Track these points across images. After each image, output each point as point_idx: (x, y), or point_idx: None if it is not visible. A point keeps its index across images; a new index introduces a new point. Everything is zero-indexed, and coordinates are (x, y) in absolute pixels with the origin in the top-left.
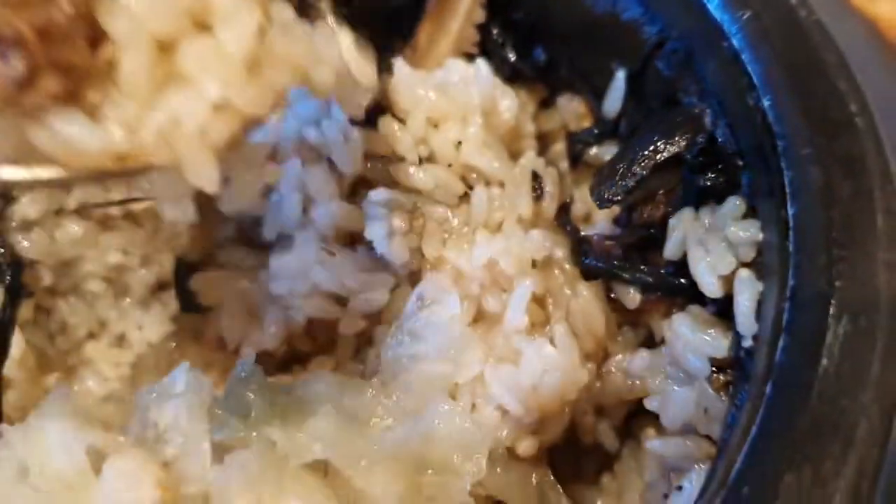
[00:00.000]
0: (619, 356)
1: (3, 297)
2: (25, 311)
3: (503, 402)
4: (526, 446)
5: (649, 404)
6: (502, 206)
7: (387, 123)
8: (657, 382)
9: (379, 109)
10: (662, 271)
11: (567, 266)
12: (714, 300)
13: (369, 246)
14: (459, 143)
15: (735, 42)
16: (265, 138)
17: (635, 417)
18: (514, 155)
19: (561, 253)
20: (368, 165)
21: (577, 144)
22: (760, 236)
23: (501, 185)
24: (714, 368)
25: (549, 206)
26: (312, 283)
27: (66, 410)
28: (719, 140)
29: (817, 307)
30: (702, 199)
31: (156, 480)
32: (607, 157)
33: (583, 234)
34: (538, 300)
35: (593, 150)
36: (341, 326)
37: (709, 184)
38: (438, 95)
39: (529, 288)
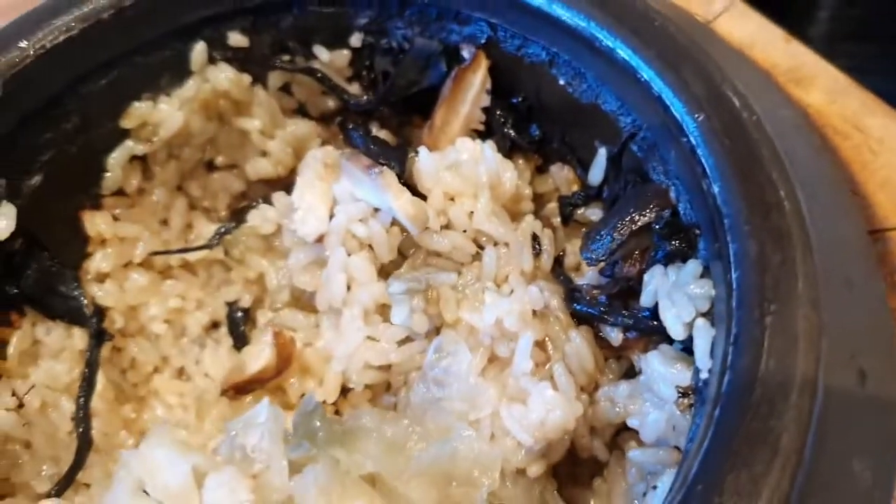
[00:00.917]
0: (607, 387)
1: (90, 341)
2: (104, 351)
3: (517, 436)
4: (535, 469)
5: (631, 423)
6: (508, 262)
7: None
8: (636, 406)
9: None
10: (640, 315)
11: (561, 315)
12: (680, 341)
13: None
14: (471, 213)
15: (692, 139)
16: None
17: (620, 434)
18: (515, 214)
19: (556, 301)
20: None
21: (567, 206)
22: (713, 293)
23: (507, 245)
24: (680, 394)
25: (547, 261)
26: (364, 361)
27: (169, 438)
28: (681, 213)
29: (753, 350)
30: (669, 259)
31: (248, 489)
32: (592, 217)
33: (574, 283)
34: (539, 344)
35: (581, 211)
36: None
37: (674, 247)
38: (453, 175)
39: (531, 338)
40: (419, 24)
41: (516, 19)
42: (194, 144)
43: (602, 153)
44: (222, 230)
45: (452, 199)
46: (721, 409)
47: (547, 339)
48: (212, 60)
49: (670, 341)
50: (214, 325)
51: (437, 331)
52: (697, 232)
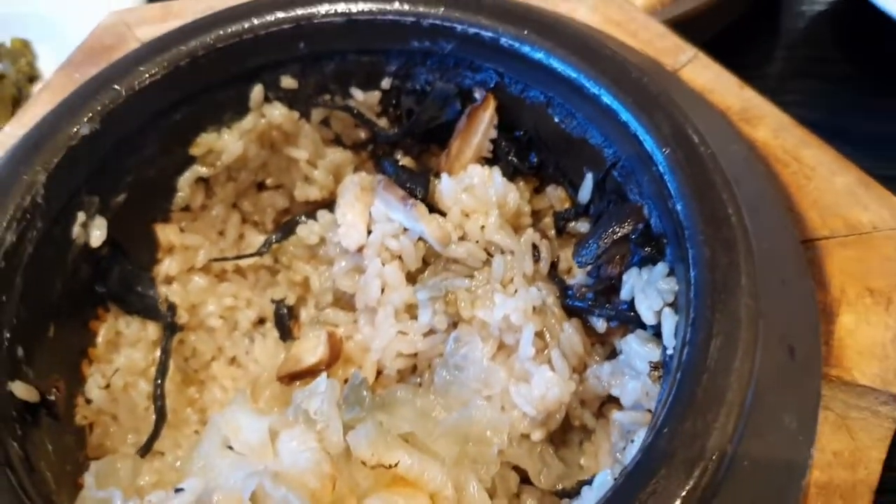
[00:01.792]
0: (594, 367)
1: (163, 333)
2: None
3: (522, 408)
4: (537, 434)
5: (613, 392)
6: (513, 267)
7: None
8: (618, 380)
9: (429, 207)
10: (620, 308)
11: (556, 310)
12: (651, 326)
13: None
14: (483, 227)
15: (660, 167)
16: (359, 242)
17: (604, 404)
18: (517, 228)
19: (551, 299)
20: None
21: (560, 220)
22: (676, 287)
23: (512, 252)
24: (651, 367)
25: (544, 266)
26: (396, 351)
27: (248, 405)
28: (652, 226)
29: (705, 330)
30: (643, 262)
31: (316, 441)
32: (581, 230)
33: (567, 283)
34: (539, 334)
35: (572, 224)
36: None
37: (647, 253)
38: (468, 196)
39: (533, 329)
40: (439, 71)
41: (520, 69)
42: (249, 168)
43: (589, 178)
44: (271, 240)
45: (467, 216)
46: (681, 374)
47: (545, 329)
48: (267, 99)
49: (644, 327)
50: (261, 321)
51: (454, 325)
52: (665, 241)
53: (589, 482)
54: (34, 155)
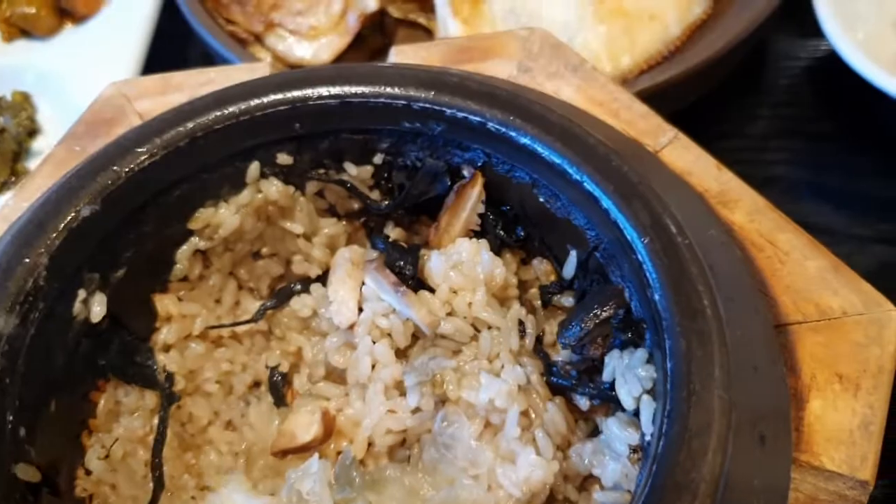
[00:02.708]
0: (577, 445)
1: (161, 402)
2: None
3: (508, 489)
4: None
5: (594, 472)
6: (499, 342)
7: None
8: (599, 459)
9: (418, 282)
10: (602, 387)
11: (540, 389)
12: (631, 411)
13: None
14: (470, 303)
15: (639, 256)
16: (350, 320)
17: (587, 479)
18: (503, 300)
19: (535, 377)
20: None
21: (546, 294)
22: (655, 375)
23: (498, 328)
24: (631, 451)
25: (530, 341)
26: (386, 428)
27: (244, 485)
28: (633, 310)
29: (680, 422)
30: (624, 346)
31: None
32: (566, 304)
33: (552, 359)
34: (524, 413)
35: (557, 297)
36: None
37: (627, 338)
38: (456, 273)
39: (517, 411)
40: (429, 149)
41: (506, 151)
42: (246, 240)
43: (573, 255)
44: (266, 307)
45: (455, 292)
46: (657, 465)
47: (530, 408)
48: (263, 175)
49: (624, 409)
50: (256, 384)
51: (442, 403)
52: (644, 326)
53: None
54: (36, 237)
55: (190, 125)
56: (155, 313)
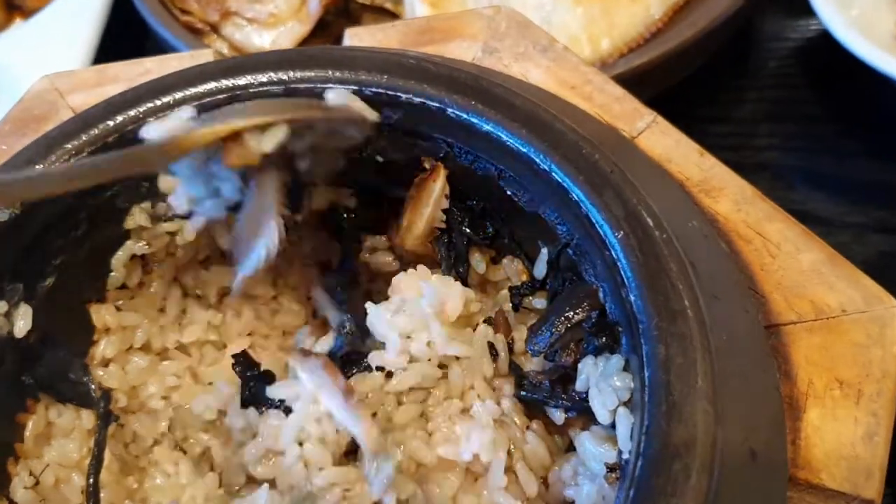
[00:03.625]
0: (556, 468)
1: (97, 422)
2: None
3: None
4: None
5: (567, 493)
6: (471, 373)
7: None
8: (576, 481)
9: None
10: (577, 398)
11: (517, 419)
12: (608, 424)
13: None
14: (429, 342)
15: (613, 252)
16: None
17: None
18: (469, 321)
19: (509, 403)
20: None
21: (516, 295)
22: (632, 385)
23: (468, 357)
24: (608, 469)
25: (503, 363)
26: None
27: None
28: (608, 312)
29: (659, 439)
30: (598, 351)
31: None
32: (538, 306)
33: (523, 371)
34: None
35: (529, 299)
36: None
37: (602, 342)
38: (401, 316)
39: (503, 461)
40: (386, 139)
41: (469, 139)
42: (188, 245)
43: (544, 253)
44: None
45: (409, 338)
46: (634, 490)
47: (510, 442)
48: None
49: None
50: None
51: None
52: (620, 330)
53: None
54: None
55: (120, 118)
56: (91, 325)
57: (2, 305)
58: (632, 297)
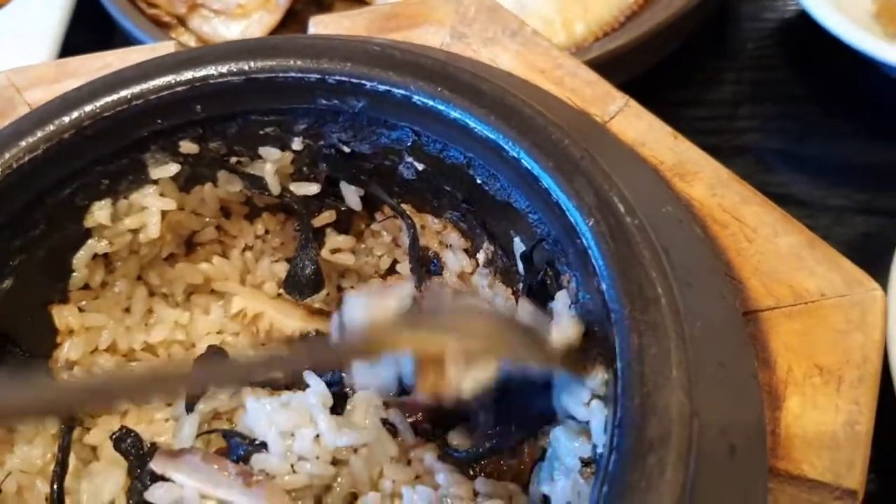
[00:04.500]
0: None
1: (61, 427)
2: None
3: None
4: None
5: (543, 489)
6: (376, 460)
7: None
8: (552, 476)
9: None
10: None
11: (459, 490)
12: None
13: None
14: (318, 435)
15: (584, 241)
16: None
17: None
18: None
19: (447, 478)
20: None
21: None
22: (605, 377)
23: (365, 445)
24: (583, 464)
25: (408, 435)
26: None
27: None
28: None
29: (633, 433)
30: None
31: None
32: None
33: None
34: None
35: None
36: None
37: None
38: (281, 413)
39: None
40: (352, 129)
41: (437, 127)
42: (153, 242)
43: (517, 240)
44: None
45: (292, 435)
46: (608, 486)
47: None
48: (164, 164)
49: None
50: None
51: None
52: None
53: None
54: None
55: (75, 114)
56: (54, 327)
57: None
58: (603, 286)
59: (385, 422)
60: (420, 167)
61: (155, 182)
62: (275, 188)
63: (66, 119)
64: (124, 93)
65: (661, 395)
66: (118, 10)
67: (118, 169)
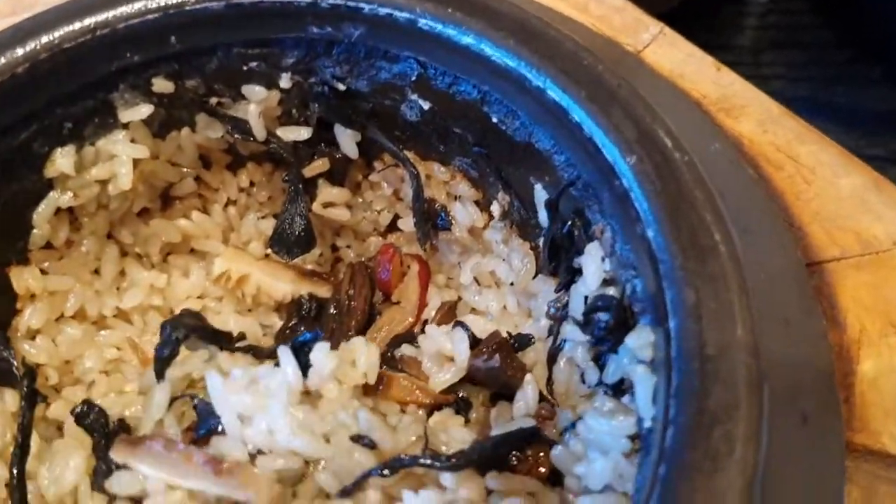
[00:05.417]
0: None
1: (22, 404)
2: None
3: None
4: None
5: (578, 471)
6: (347, 472)
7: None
8: (585, 455)
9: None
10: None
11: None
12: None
13: None
14: (271, 431)
15: (624, 182)
16: None
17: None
18: None
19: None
20: None
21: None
22: (652, 338)
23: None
24: (629, 440)
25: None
26: None
27: None
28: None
29: (694, 405)
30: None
31: None
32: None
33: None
34: None
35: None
36: None
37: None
38: (248, 394)
39: None
40: (348, 63)
41: (445, 58)
42: (123, 195)
43: (540, 192)
44: None
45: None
46: (666, 466)
47: None
48: (134, 105)
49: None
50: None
51: None
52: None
53: None
54: None
55: (31, 45)
56: (13, 292)
57: None
58: (650, 233)
59: (358, 439)
60: (426, 106)
61: (125, 126)
62: (260, 133)
63: (20, 51)
64: (88, 21)
65: (726, 357)
66: None
67: (82, 110)
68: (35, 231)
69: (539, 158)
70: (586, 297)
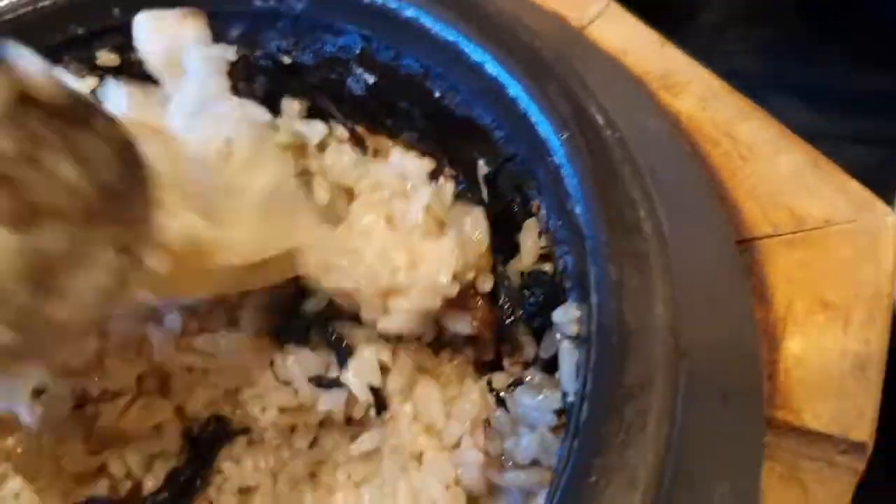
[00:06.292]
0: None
1: None
2: None
3: None
4: None
5: (507, 447)
6: None
7: None
8: (514, 430)
9: None
10: None
11: None
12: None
13: None
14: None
15: (556, 158)
16: None
17: None
18: None
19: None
20: None
21: None
22: (577, 314)
23: None
24: (555, 415)
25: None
26: None
27: None
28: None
29: (610, 380)
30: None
31: None
32: None
33: None
34: None
35: None
36: None
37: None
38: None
39: None
40: (293, 36)
41: (389, 30)
42: None
43: (481, 163)
44: None
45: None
46: (579, 441)
47: None
48: (80, 78)
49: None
50: None
51: None
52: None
53: None
54: None
55: None
56: None
57: None
58: (577, 209)
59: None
60: (371, 80)
61: None
62: None
63: None
64: None
65: (643, 333)
66: None
67: None
68: None
69: (480, 134)
70: (522, 273)
